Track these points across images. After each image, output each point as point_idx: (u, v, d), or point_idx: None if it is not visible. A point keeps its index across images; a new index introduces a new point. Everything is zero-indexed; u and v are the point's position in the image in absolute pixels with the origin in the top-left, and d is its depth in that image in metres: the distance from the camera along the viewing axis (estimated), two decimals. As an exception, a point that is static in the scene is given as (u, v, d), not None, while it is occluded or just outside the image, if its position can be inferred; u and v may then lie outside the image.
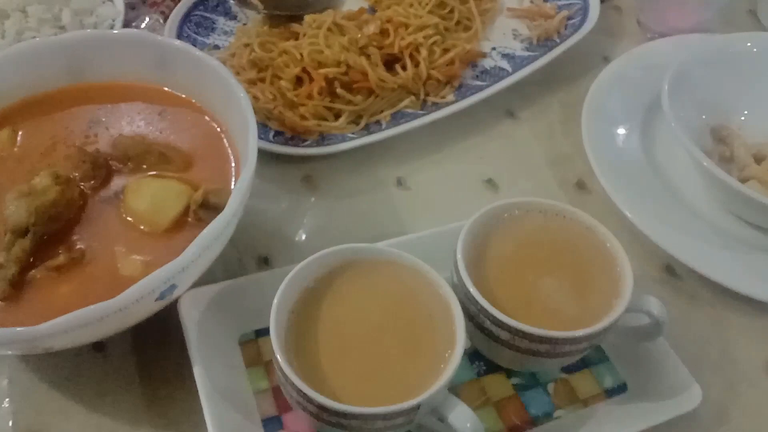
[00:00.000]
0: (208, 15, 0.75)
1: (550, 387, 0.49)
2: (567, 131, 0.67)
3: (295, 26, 0.71)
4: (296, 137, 0.64)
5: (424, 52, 0.68)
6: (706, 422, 0.49)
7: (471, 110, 0.67)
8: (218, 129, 0.56)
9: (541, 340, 0.43)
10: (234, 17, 0.76)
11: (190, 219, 0.51)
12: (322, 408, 0.39)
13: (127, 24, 0.77)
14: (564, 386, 0.49)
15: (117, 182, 0.53)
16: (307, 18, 0.70)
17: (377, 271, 0.45)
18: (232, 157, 0.54)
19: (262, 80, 0.66)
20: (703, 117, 0.63)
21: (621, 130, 0.65)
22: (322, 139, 0.64)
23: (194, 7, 0.75)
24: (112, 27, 0.73)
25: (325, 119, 0.65)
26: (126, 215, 0.51)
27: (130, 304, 0.42)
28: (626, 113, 0.65)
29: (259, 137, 0.62)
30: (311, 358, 0.41)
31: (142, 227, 0.51)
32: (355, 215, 0.61)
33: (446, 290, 0.44)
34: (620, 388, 0.49)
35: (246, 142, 0.50)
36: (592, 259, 0.47)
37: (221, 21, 0.76)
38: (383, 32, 0.69)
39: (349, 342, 0.42)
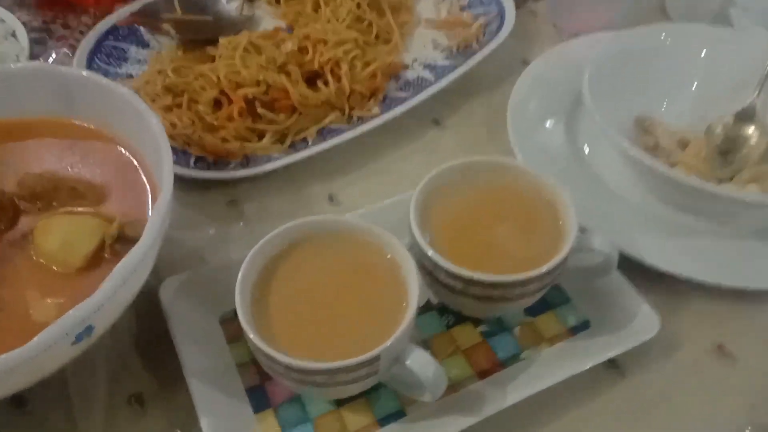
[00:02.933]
0: (118, 44, 0.72)
1: (516, 331, 0.52)
2: (492, 136, 0.67)
3: (210, 49, 0.69)
4: (219, 161, 0.62)
5: (345, 66, 0.67)
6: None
7: (397, 121, 0.66)
8: (132, 159, 0.53)
9: (493, 285, 0.45)
10: (147, 45, 0.74)
11: (106, 255, 0.48)
12: (289, 368, 0.41)
13: (33, 60, 0.73)
14: (529, 329, 0.52)
15: (25, 223, 0.50)
16: (223, 40, 0.68)
17: (334, 240, 0.47)
18: (148, 187, 0.51)
19: (179, 106, 0.64)
20: (625, 109, 0.63)
21: (546, 129, 0.65)
22: (247, 161, 0.62)
23: (104, 37, 0.72)
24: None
25: (249, 140, 0.63)
26: (37, 257, 0.48)
27: (42, 351, 0.39)
28: (549, 112, 0.66)
29: (180, 164, 0.60)
30: (277, 326, 0.44)
31: (55, 268, 0.47)
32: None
33: (400, 249, 0.46)
34: (583, 326, 0.52)
35: (161, 169, 0.47)
36: (538, 207, 0.50)
37: (133, 50, 0.73)
38: (302, 50, 0.68)
39: (311, 306, 0.45)
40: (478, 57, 0.71)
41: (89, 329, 0.42)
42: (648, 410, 0.49)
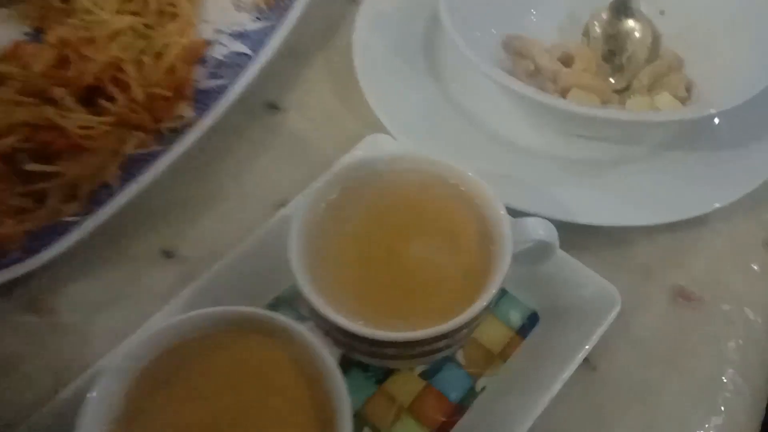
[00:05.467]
0: None
1: (460, 356, 0.41)
2: (346, 103, 0.54)
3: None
4: (-8, 255, 0.43)
5: (129, 68, 0.49)
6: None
7: (224, 119, 0.50)
8: None
9: (437, 338, 0.34)
10: None
11: None
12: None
13: None
14: (473, 348, 0.41)
15: None
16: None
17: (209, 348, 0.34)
18: None
19: None
20: (493, 31, 0.52)
21: (408, 79, 0.53)
22: (34, 240, 0.44)
23: None
24: None
25: (26, 210, 0.45)
26: None
27: None
28: (404, 56, 0.54)
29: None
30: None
31: None
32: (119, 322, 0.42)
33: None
34: (532, 320, 0.43)
35: None
36: (452, 209, 0.38)
37: None
38: (63, 61, 0.49)
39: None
40: (297, 9, 0.55)
41: None
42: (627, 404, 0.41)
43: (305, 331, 0.33)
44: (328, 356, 0.32)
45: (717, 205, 0.45)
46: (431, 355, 0.36)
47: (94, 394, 0.31)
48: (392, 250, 0.36)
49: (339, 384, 0.32)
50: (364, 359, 0.38)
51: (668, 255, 0.46)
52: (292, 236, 0.35)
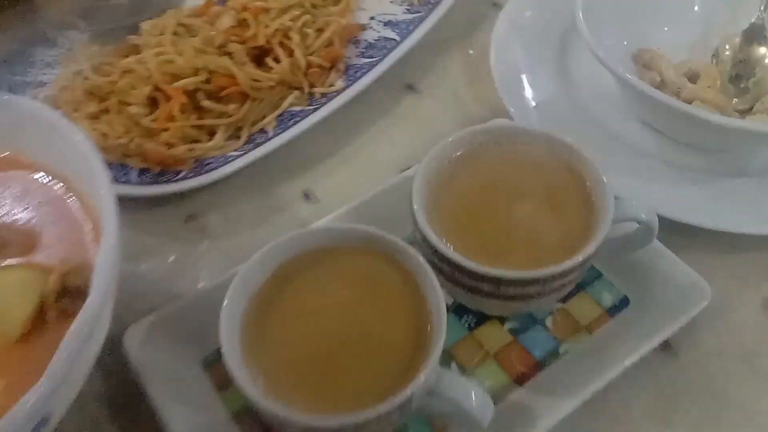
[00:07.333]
0: (18, 47, 0.60)
1: (549, 321, 0.45)
2: (475, 93, 0.59)
3: (132, 39, 0.58)
4: (167, 171, 0.52)
5: (295, 36, 0.57)
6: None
7: (366, 93, 0.57)
8: (61, 187, 0.43)
9: (529, 282, 0.38)
10: (54, 44, 0.62)
11: (50, 315, 0.38)
12: (308, 429, 0.34)
13: None
14: (563, 317, 0.45)
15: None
16: (145, 25, 0.57)
17: (330, 254, 0.39)
18: (87, 219, 0.42)
19: (107, 111, 0.53)
20: (624, 43, 0.56)
21: (535, 78, 0.57)
22: (200, 166, 0.52)
23: None
24: None
25: (198, 140, 0.53)
26: (-40, 330, 0.38)
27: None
28: (534, 58, 0.58)
29: (120, 181, 0.51)
30: (278, 369, 0.36)
31: (-13, 342, 0.37)
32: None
33: (408, 253, 0.38)
34: (622, 303, 0.45)
35: (98, 194, 0.38)
36: (561, 177, 0.43)
37: (39, 51, 0.61)
38: (242, 23, 0.58)
39: (316, 339, 0.37)
40: (444, 6, 0.62)
41: (46, 419, 0.33)
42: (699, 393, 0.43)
43: (417, 254, 0.38)
44: (433, 277, 0.37)
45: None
46: (525, 299, 0.40)
47: (242, 272, 0.37)
48: (508, 207, 0.41)
49: (439, 300, 0.36)
50: (460, 297, 0.42)
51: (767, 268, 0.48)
52: (418, 178, 0.41)
